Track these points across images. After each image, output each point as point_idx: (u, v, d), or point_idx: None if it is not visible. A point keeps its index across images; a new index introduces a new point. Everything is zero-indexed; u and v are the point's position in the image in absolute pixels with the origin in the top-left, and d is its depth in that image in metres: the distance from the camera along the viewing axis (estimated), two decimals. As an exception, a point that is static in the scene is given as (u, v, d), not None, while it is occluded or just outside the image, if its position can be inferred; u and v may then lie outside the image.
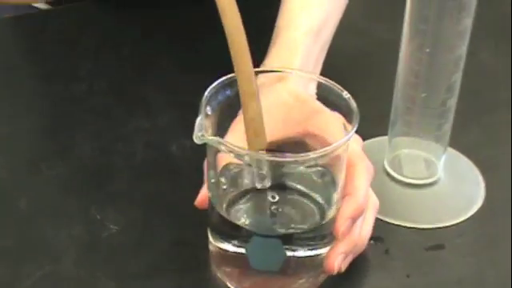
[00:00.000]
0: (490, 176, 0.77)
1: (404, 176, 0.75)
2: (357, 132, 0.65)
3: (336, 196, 0.64)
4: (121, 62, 0.91)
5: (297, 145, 0.67)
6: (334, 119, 0.64)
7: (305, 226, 0.65)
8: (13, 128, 0.82)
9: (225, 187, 0.65)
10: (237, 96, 0.63)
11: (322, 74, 0.75)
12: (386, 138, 0.76)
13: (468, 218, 0.73)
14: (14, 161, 0.79)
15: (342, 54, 0.80)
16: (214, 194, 0.65)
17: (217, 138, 0.61)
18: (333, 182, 0.64)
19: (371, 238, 0.69)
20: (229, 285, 0.67)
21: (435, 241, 0.71)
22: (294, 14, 0.76)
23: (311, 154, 0.61)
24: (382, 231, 0.71)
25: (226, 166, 0.65)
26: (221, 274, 0.67)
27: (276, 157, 0.62)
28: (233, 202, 0.66)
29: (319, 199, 0.66)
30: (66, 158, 0.78)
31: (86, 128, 0.82)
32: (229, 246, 0.65)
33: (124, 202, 0.74)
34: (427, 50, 0.68)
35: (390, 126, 0.75)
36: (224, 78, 0.64)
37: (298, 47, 0.73)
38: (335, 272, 0.64)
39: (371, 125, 0.73)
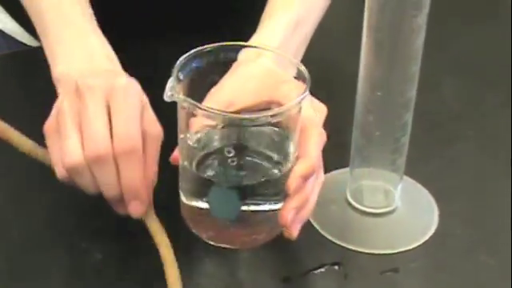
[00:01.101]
0: (443, 204, 0.82)
1: (364, 206, 0.80)
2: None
3: (290, 155, 0.71)
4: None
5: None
6: (298, 87, 0.70)
7: (260, 180, 0.71)
8: (3, 159, 0.86)
9: (194, 148, 0.71)
10: (207, 66, 0.71)
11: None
12: (348, 169, 0.81)
13: (422, 244, 0.78)
14: (5, 190, 0.83)
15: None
16: (184, 154, 0.71)
17: (183, 97, 0.67)
18: (288, 142, 0.70)
19: (333, 264, 0.75)
20: (198, 235, 0.73)
21: (391, 265, 0.76)
22: (276, 8, 0.84)
23: (267, 113, 0.67)
24: (342, 257, 0.76)
25: (196, 131, 0.71)
26: (192, 225, 0.74)
27: (235, 114, 0.69)
28: (200, 162, 0.72)
29: (276, 158, 0.72)
30: (54, 187, 0.80)
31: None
32: (196, 202, 0.72)
33: (109, 229, 0.78)
34: (378, 94, 0.73)
35: (351, 160, 0.79)
36: (195, 49, 0.71)
37: (276, 37, 0.80)
38: (288, 225, 0.70)
39: (336, 156, 0.79)
